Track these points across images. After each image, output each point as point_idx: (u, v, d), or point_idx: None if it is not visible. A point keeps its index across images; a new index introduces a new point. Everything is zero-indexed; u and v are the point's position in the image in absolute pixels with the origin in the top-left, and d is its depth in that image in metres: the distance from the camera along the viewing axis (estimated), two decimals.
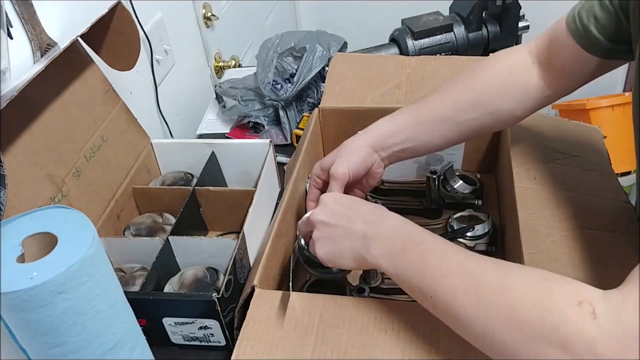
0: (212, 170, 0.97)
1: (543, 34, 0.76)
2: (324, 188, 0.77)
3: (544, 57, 0.74)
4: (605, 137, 0.90)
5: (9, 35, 0.74)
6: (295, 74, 1.13)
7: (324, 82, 1.10)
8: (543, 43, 0.75)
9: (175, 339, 0.77)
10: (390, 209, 0.94)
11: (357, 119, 0.98)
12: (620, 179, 1.94)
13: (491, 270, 0.52)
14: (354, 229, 0.63)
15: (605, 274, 0.66)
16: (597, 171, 0.83)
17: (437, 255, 0.56)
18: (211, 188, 0.92)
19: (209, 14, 1.40)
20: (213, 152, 0.97)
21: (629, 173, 1.87)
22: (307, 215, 0.69)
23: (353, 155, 0.75)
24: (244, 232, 0.79)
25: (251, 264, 0.83)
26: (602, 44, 0.67)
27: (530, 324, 0.46)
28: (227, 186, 1.01)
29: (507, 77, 0.75)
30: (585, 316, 0.44)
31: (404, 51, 1.24)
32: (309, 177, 0.93)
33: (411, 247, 0.58)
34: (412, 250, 0.58)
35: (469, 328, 0.52)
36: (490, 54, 0.80)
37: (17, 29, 0.77)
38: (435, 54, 1.23)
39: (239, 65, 1.49)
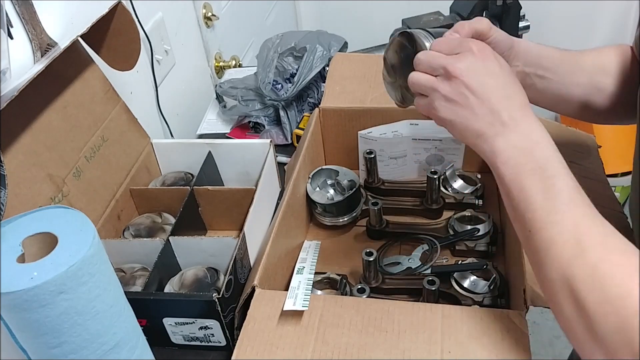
0: (210, 170, 0.97)
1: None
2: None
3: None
4: (600, 147, 0.90)
5: (10, 35, 0.74)
6: (295, 74, 1.13)
7: (324, 82, 1.10)
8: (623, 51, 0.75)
9: (176, 339, 0.77)
10: (390, 209, 0.96)
11: (358, 119, 0.98)
12: (620, 179, 1.95)
13: (596, 244, 0.49)
14: (498, 115, 0.54)
15: None
16: (593, 179, 0.83)
17: (561, 199, 0.52)
18: (209, 187, 0.92)
19: (210, 14, 1.40)
20: (210, 152, 0.97)
21: (629, 173, 1.87)
22: (444, 59, 0.57)
23: (499, 34, 0.65)
24: (244, 232, 0.80)
25: (251, 264, 0.83)
26: None
27: (595, 317, 0.46)
28: (224, 186, 1.01)
29: (629, 70, 0.73)
30: None
31: None
32: (309, 177, 0.93)
33: (540, 175, 0.53)
34: (540, 179, 0.53)
35: (545, 280, 0.51)
36: (620, 44, 0.77)
37: (18, 29, 0.77)
38: None
39: (240, 65, 1.49)
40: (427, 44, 0.61)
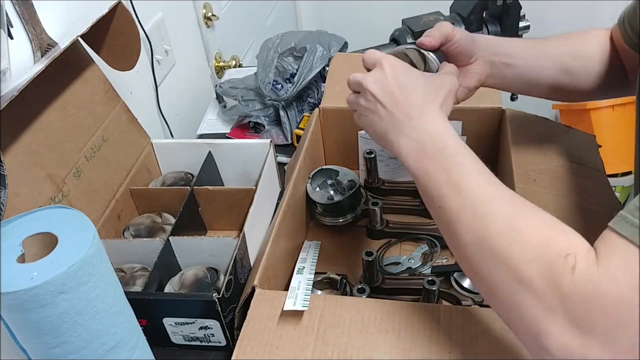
0: (210, 170, 0.97)
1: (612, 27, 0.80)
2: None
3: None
4: (600, 147, 0.90)
5: (10, 36, 0.74)
6: (295, 74, 1.13)
7: (324, 82, 1.10)
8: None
9: (176, 339, 0.77)
10: (390, 209, 0.96)
11: None
12: (620, 179, 1.95)
13: (505, 202, 0.52)
14: (395, 116, 0.61)
15: None
16: (593, 179, 0.83)
17: (463, 171, 0.56)
18: (209, 187, 0.92)
19: (210, 14, 1.40)
20: (210, 152, 0.97)
21: (629, 173, 1.87)
22: (360, 76, 0.66)
23: (461, 33, 0.73)
24: (244, 232, 0.80)
25: (251, 264, 0.83)
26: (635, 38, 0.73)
27: (519, 266, 0.48)
28: (224, 186, 1.01)
29: (605, 52, 0.79)
30: (566, 270, 0.45)
31: None
32: (309, 177, 0.93)
33: (441, 156, 0.57)
34: (441, 159, 0.57)
35: (462, 249, 0.53)
36: (590, 28, 0.83)
37: (18, 29, 0.77)
38: None
39: (240, 65, 1.49)
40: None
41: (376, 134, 0.65)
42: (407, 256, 0.88)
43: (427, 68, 0.71)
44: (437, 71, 0.69)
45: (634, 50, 0.74)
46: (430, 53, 0.70)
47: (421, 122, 0.60)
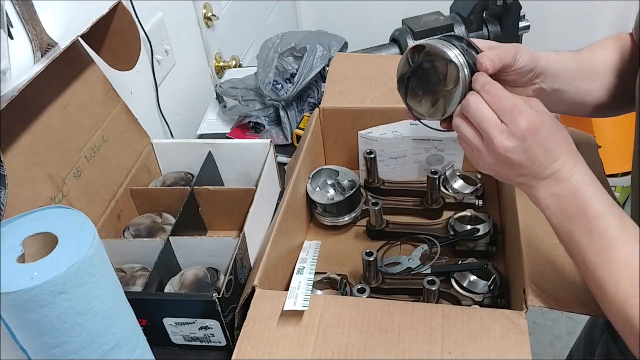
0: (210, 170, 0.97)
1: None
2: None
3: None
4: (600, 147, 0.90)
5: (10, 35, 0.74)
6: (295, 74, 1.13)
7: (324, 82, 1.10)
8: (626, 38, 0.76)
9: (176, 339, 0.77)
10: (390, 209, 0.96)
11: (358, 119, 0.98)
12: (620, 179, 1.95)
13: None
14: (536, 170, 0.56)
15: None
16: None
17: (606, 239, 0.53)
18: (210, 187, 0.92)
19: (210, 14, 1.40)
20: (210, 152, 0.97)
21: (629, 173, 1.87)
22: (490, 129, 0.55)
23: (526, 57, 0.63)
24: (244, 232, 0.80)
25: (251, 264, 0.83)
26: None
27: None
28: (224, 186, 1.01)
29: (629, 60, 0.74)
30: None
31: (404, 51, 1.24)
32: (309, 177, 0.93)
33: (582, 218, 0.54)
34: (583, 222, 0.54)
35: (608, 315, 0.54)
36: (621, 34, 0.77)
37: (18, 29, 0.77)
38: None
39: (240, 65, 1.49)
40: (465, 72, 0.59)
41: (506, 180, 0.59)
42: (407, 256, 0.88)
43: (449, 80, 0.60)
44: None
45: None
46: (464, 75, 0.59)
47: (564, 175, 0.56)
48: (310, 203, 0.94)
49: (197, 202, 0.92)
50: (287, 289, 0.69)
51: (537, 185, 0.57)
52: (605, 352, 0.80)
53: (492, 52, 0.60)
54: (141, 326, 0.66)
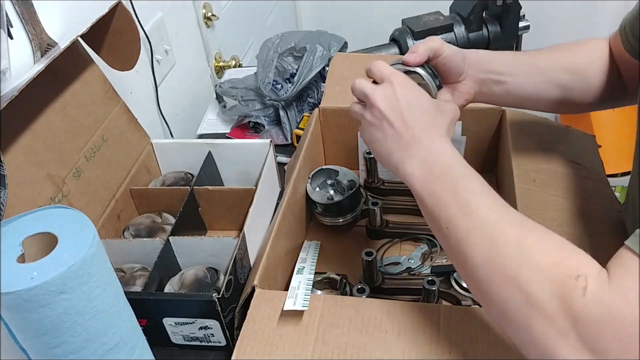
0: (210, 170, 0.97)
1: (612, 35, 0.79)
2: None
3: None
4: (600, 147, 0.90)
5: (9, 35, 0.74)
6: (295, 74, 1.13)
7: (324, 82, 1.10)
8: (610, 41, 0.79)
9: (176, 339, 0.77)
10: (390, 209, 0.96)
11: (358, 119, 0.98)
12: (620, 179, 1.95)
13: (514, 224, 0.52)
14: (404, 136, 0.61)
15: None
16: (593, 179, 0.83)
17: (471, 192, 0.56)
18: (209, 187, 0.92)
19: (210, 14, 1.40)
20: (210, 152, 0.97)
21: (629, 173, 1.87)
22: (369, 88, 0.64)
23: (451, 49, 0.72)
24: (244, 232, 0.80)
25: (251, 264, 0.83)
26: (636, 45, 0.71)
27: (529, 288, 0.47)
28: (224, 186, 1.01)
29: (603, 64, 0.77)
30: (577, 291, 0.45)
31: (404, 51, 1.24)
32: (309, 177, 0.93)
33: (449, 177, 0.57)
34: (449, 181, 0.57)
35: (471, 271, 0.53)
36: (586, 39, 0.81)
37: (18, 29, 0.77)
38: None
39: (240, 65, 1.49)
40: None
41: (379, 151, 0.64)
42: (407, 256, 0.88)
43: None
44: (434, 95, 0.69)
45: (634, 57, 0.73)
46: (426, 74, 0.69)
47: (428, 144, 0.60)
48: (310, 203, 0.94)
49: (197, 202, 0.92)
50: (287, 289, 0.69)
51: (404, 153, 0.61)
52: None
53: (415, 46, 0.70)
54: (141, 326, 0.66)
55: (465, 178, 0.57)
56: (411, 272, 0.85)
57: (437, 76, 0.70)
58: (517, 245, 0.50)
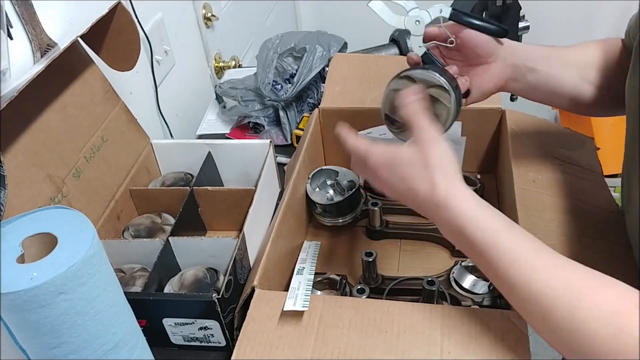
0: (210, 171, 0.97)
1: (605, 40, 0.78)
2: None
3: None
4: (598, 149, 0.90)
5: (9, 36, 0.74)
6: (295, 74, 1.13)
7: (324, 82, 1.10)
8: (606, 45, 0.78)
9: (175, 339, 0.77)
10: (390, 209, 0.96)
11: (357, 120, 0.97)
12: (620, 180, 1.95)
13: (560, 295, 0.50)
14: (416, 205, 0.59)
15: None
16: (591, 181, 0.83)
17: (504, 263, 0.53)
18: (209, 188, 0.92)
19: (209, 14, 1.40)
20: (210, 152, 0.97)
21: None
22: (359, 167, 0.64)
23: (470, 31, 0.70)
24: (244, 233, 0.79)
25: (251, 264, 0.83)
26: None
27: (588, 354, 0.48)
28: (223, 186, 1.01)
29: (616, 63, 0.75)
30: (629, 346, 0.45)
31: (404, 51, 1.24)
32: (309, 178, 0.93)
33: (478, 250, 0.55)
34: (480, 254, 0.55)
35: (539, 332, 0.54)
36: (610, 38, 0.80)
37: (17, 29, 0.77)
38: None
39: (239, 66, 1.49)
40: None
41: (416, 207, 0.61)
42: None
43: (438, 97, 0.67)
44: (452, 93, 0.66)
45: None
46: (437, 76, 0.66)
47: (443, 214, 0.56)
48: (310, 203, 0.94)
49: (197, 203, 0.92)
50: (286, 289, 0.69)
51: (433, 219, 0.59)
52: None
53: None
54: (141, 326, 0.66)
55: (492, 249, 0.54)
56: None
57: (446, 74, 0.67)
58: (569, 322, 0.49)
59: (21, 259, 0.54)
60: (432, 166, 0.57)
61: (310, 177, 0.94)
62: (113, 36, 0.88)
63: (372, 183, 0.63)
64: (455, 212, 0.56)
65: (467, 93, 0.73)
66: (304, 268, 0.78)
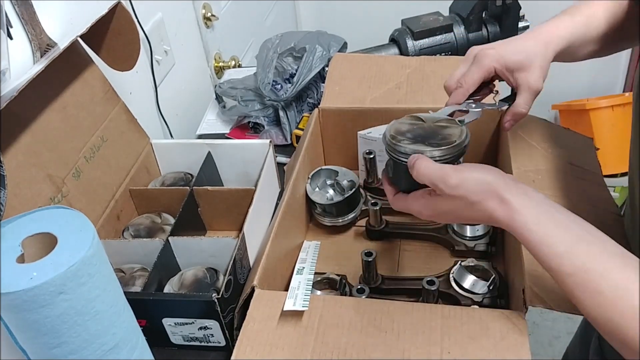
0: (209, 171, 0.97)
1: None
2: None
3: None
4: (598, 149, 0.90)
5: (9, 36, 0.74)
6: (295, 74, 1.13)
7: (323, 82, 1.10)
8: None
9: (175, 339, 0.77)
10: (390, 209, 0.95)
11: (357, 119, 0.98)
12: (619, 179, 1.95)
13: (628, 291, 0.48)
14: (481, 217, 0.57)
15: None
16: (590, 181, 0.83)
17: (591, 286, 0.50)
18: (209, 188, 0.92)
19: (209, 14, 1.40)
20: (209, 152, 0.97)
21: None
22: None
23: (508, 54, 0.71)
24: (244, 233, 0.80)
25: (251, 264, 0.83)
26: None
27: None
28: (223, 186, 1.01)
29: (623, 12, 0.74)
30: None
31: (404, 51, 1.24)
32: (309, 178, 0.93)
33: (559, 272, 0.52)
34: (550, 265, 0.53)
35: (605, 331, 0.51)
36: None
37: (17, 29, 0.77)
38: (435, 54, 1.23)
39: (239, 66, 1.49)
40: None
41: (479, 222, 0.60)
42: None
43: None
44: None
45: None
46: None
47: (514, 229, 0.55)
48: (310, 203, 0.94)
49: (197, 203, 0.92)
50: (286, 289, 0.69)
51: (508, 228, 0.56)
52: (597, 345, 0.80)
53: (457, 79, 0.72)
54: (141, 326, 0.66)
55: (577, 275, 0.51)
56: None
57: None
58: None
59: (21, 259, 0.54)
60: (476, 202, 0.57)
61: (310, 177, 0.94)
62: (113, 36, 0.88)
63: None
64: (528, 229, 0.54)
65: (512, 97, 0.73)
66: (303, 268, 0.78)
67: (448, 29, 1.25)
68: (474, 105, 0.70)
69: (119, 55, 0.91)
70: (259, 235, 0.86)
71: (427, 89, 0.98)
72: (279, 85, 1.15)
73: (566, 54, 0.73)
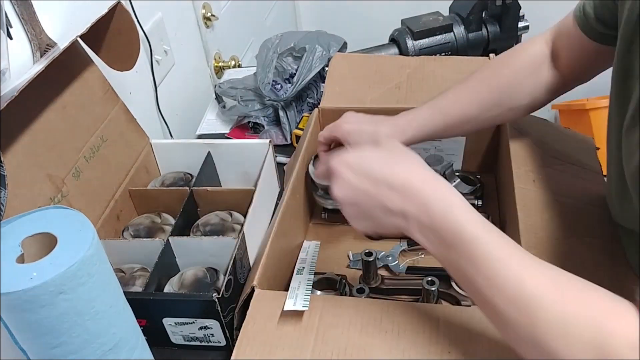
0: (209, 171, 0.97)
1: (557, 23, 0.80)
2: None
3: (555, 47, 0.78)
4: (598, 149, 0.90)
5: (9, 36, 0.74)
6: (295, 74, 1.13)
7: (323, 82, 1.10)
8: (555, 32, 0.80)
9: (176, 339, 0.77)
10: None
11: None
12: None
13: (550, 290, 0.48)
14: (388, 207, 0.55)
15: (602, 282, 0.66)
16: (590, 181, 0.83)
17: (490, 262, 0.50)
18: (209, 188, 0.92)
19: (209, 14, 1.40)
20: (209, 152, 0.97)
21: None
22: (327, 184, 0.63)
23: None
24: (243, 232, 0.80)
25: (251, 264, 0.83)
26: (597, 28, 0.70)
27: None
28: (223, 186, 1.01)
29: (528, 75, 0.78)
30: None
31: (403, 51, 1.24)
32: (311, 159, 0.93)
33: (460, 246, 0.52)
34: (462, 250, 0.52)
35: (516, 341, 0.50)
36: (512, 48, 0.83)
37: (17, 29, 0.77)
38: (435, 54, 1.23)
39: (239, 66, 1.49)
40: None
41: (387, 230, 0.58)
42: (385, 252, 0.87)
43: None
44: None
45: (594, 38, 0.70)
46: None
47: (418, 199, 0.54)
48: (312, 186, 0.93)
49: (197, 203, 0.92)
50: (286, 289, 0.69)
51: (409, 227, 0.55)
52: None
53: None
54: (141, 326, 0.66)
55: (477, 244, 0.51)
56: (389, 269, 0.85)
57: None
58: (559, 325, 0.46)
59: (21, 259, 0.54)
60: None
61: (312, 158, 0.93)
62: (113, 36, 0.88)
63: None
64: (448, 196, 0.56)
65: None
66: (303, 268, 0.78)
67: (448, 29, 1.25)
68: None
69: (118, 55, 0.91)
70: (259, 235, 0.86)
71: (427, 89, 0.98)
72: (279, 85, 1.15)
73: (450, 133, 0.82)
